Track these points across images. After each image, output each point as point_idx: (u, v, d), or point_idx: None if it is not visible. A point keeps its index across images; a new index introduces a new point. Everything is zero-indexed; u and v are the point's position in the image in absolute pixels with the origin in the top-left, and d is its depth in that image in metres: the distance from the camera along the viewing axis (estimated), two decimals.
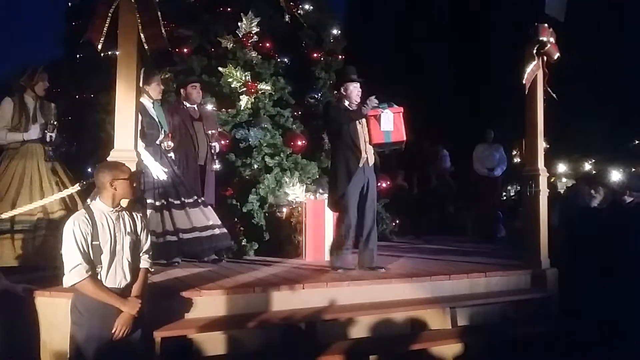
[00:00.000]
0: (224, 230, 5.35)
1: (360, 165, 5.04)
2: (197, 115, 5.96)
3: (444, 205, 9.99)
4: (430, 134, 11.24)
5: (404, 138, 5.22)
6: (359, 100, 5.15)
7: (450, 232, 9.62)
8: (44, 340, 3.75)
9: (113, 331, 3.03)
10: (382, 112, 5.05)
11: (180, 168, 5.66)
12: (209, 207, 5.31)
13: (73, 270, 2.95)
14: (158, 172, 5.06)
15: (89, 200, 4.49)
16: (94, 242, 3.02)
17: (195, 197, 5.23)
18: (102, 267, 3.06)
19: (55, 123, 5.21)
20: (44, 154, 5.13)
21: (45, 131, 5.15)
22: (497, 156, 9.07)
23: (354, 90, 5.19)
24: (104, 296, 3.03)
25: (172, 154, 5.46)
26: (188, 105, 5.88)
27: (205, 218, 5.20)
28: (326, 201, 5.43)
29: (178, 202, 5.08)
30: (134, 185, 3.24)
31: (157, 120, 5.22)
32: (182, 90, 5.92)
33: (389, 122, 5.09)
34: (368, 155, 5.12)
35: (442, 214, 9.90)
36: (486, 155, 9.12)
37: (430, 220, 9.59)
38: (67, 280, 2.98)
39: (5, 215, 4.27)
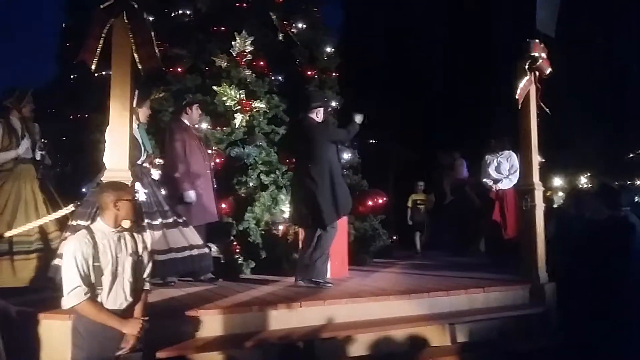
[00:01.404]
0: (204, 250, 5.25)
1: None
2: (198, 134, 6.01)
3: (462, 221, 8.70)
4: (423, 145, 11.06)
5: None
6: None
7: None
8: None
9: (120, 352, 3.00)
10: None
11: (197, 188, 5.65)
12: (190, 227, 5.26)
13: (72, 292, 2.93)
14: (138, 193, 5.04)
15: (76, 222, 4.50)
16: (95, 264, 3.00)
17: (175, 218, 5.16)
18: (102, 288, 3.03)
19: (44, 141, 5.25)
20: (36, 174, 5.14)
21: (36, 149, 5.18)
22: (507, 166, 7.57)
23: (322, 113, 5.64)
24: (104, 318, 3.00)
25: (155, 175, 5.44)
26: (189, 124, 5.89)
27: (183, 239, 5.11)
28: (326, 217, 5.23)
29: (156, 223, 5.04)
30: (136, 206, 3.23)
31: (140, 141, 5.23)
32: (188, 109, 5.91)
33: None
34: None
35: (460, 231, 8.78)
36: (492, 166, 7.73)
37: (446, 238, 9.08)
38: (66, 302, 2.96)
39: (7, 234, 4.26)
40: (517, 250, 6.42)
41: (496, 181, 7.61)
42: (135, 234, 3.29)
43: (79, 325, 3.04)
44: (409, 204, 9.42)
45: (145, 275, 3.29)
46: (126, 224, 3.17)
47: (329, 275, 5.61)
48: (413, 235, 9.39)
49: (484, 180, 7.75)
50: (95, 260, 3.00)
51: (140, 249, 3.26)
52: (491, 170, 7.69)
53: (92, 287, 2.98)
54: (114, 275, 3.07)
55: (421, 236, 9.31)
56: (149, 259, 3.34)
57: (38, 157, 5.22)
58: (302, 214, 5.37)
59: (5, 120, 5.14)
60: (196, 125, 6.16)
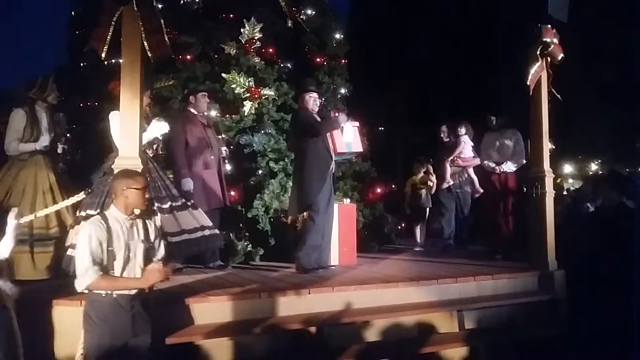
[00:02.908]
0: (215, 231, 5.31)
1: (329, 170, 5.45)
2: (206, 122, 6.02)
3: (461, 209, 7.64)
4: (428, 128, 10.05)
5: (362, 150, 6.15)
6: (316, 109, 5.67)
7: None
8: (55, 348, 3.77)
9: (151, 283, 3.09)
10: (344, 124, 5.65)
11: (199, 175, 5.70)
12: (199, 209, 5.31)
13: (85, 272, 2.97)
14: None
15: (85, 212, 4.55)
16: (109, 248, 3.05)
17: (183, 200, 5.22)
18: (114, 273, 3.08)
19: (68, 135, 5.26)
20: (52, 164, 5.17)
21: (58, 143, 5.23)
22: (510, 146, 6.76)
23: (315, 99, 5.62)
24: (121, 284, 3.06)
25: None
26: (196, 112, 5.90)
27: (194, 220, 5.16)
28: (290, 204, 5.71)
29: (165, 206, 5.09)
30: (147, 196, 3.24)
31: None
32: (192, 97, 5.92)
33: (350, 135, 5.76)
34: (334, 162, 5.56)
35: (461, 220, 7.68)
36: (494, 146, 6.87)
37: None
38: (80, 284, 2.99)
39: (23, 220, 4.28)
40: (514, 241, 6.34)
41: (498, 163, 6.77)
42: (148, 221, 3.32)
43: (90, 311, 3.07)
44: (407, 188, 8.01)
45: (157, 259, 3.27)
46: (137, 211, 3.20)
47: (336, 262, 5.86)
48: (413, 225, 8.06)
49: (485, 162, 6.96)
50: (109, 244, 3.05)
51: (152, 236, 3.29)
52: (493, 152, 6.87)
53: (103, 266, 3.02)
54: (126, 261, 3.11)
55: (422, 226, 7.95)
56: (160, 245, 3.35)
57: (60, 151, 5.28)
58: (290, 202, 5.68)
59: (30, 111, 5.12)
60: (205, 113, 6.15)
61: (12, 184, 4.94)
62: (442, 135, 7.89)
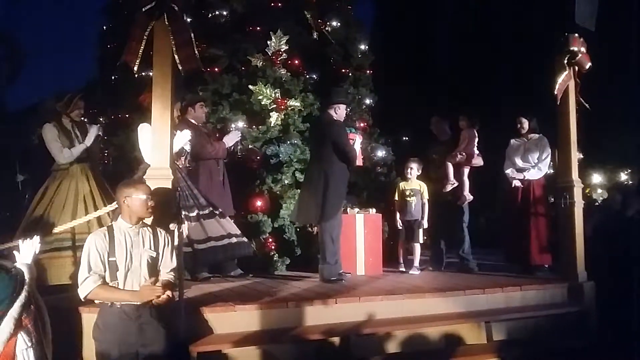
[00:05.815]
0: (243, 239, 5.37)
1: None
2: (207, 132, 6.17)
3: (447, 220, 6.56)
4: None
5: (362, 164, 6.37)
6: (342, 120, 5.74)
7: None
8: (84, 353, 3.85)
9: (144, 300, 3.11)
10: (356, 137, 5.87)
11: (205, 184, 5.76)
12: (227, 218, 5.36)
13: (83, 282, 3.06)
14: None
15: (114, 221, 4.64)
16: (110, 259, 3.12)
17: (211, 209, 5.29)
18: (117, 282, 3.14)
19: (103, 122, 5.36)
20: (91, 171, 5.31)
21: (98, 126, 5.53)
22: (536, 154, 6.23)
23: (343, 111, 5.73)
24: (118, 296, 3.11)
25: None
26: (196, 122, 5.96)
27: (221, 228, 5.25)
28: (303, 210, 5.60)
29: (192, 214, 5.15)
30: (150, 203, 3.27)
31: None
32: (190, 108, 5.96)
33: (358, 147, 5.99)
34: None
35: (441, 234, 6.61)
36: (519, 152, 6.36)
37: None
38: (80, 293, 3.09)
39: (56, 230, 4.38)
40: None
41: (522, 171, 6.27)
42: (159, 230, 3.35)
43: (98, 319, 3.17)
44: (397, 196, 6.50)
45: (167, 270, 3.31)
46: (149, 220, 3.29)
47: (362, 272, 5.95)
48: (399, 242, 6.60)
49: (508, 170, 6.35)
50: (111, 255, 3.12)
51: (160, 246, 3.30)
52: (517, 159, 6.32)
53: (102, 276, 3.10)
54: (128, 270, 3.16)
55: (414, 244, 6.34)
56: (172, 255, 3.36)
57: (100, 132, 5.50)
58: (301, 209, 5.61)
59: (58, 123, 5.28)
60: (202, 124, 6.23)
61: (53, 196, 5.07)
62: (434, 131, 6.92)
